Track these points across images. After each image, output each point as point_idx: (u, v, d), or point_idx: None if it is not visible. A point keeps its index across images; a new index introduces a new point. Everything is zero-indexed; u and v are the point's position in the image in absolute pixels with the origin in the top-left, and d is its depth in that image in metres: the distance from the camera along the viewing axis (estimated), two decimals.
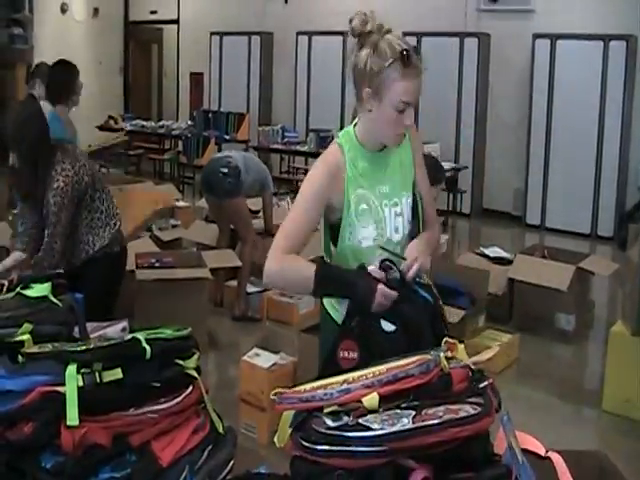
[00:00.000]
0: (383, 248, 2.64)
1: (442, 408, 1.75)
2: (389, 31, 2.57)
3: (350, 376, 1.85)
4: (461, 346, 1.95)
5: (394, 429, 1.68)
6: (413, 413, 1.72)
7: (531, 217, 11.18)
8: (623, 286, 6.30)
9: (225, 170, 6.55)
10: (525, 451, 1.85)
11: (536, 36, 10.82)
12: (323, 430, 1.76)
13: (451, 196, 11.21)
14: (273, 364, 4.64)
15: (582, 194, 10.67)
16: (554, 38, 10.65)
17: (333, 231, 2.82)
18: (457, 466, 1.79)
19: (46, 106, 5.30)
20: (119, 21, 17.00)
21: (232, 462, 2.34)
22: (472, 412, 1.72)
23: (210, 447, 2.32)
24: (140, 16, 16.97)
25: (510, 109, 11.53)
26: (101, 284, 4.20)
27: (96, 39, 16.34)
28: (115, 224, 4.31)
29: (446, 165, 10.21)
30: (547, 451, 1.89)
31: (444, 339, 1.97)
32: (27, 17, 14.43)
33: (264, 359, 4.68)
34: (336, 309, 2.83)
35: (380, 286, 2.47)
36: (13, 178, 4.00)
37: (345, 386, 1.82)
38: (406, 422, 1.69)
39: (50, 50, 14.52)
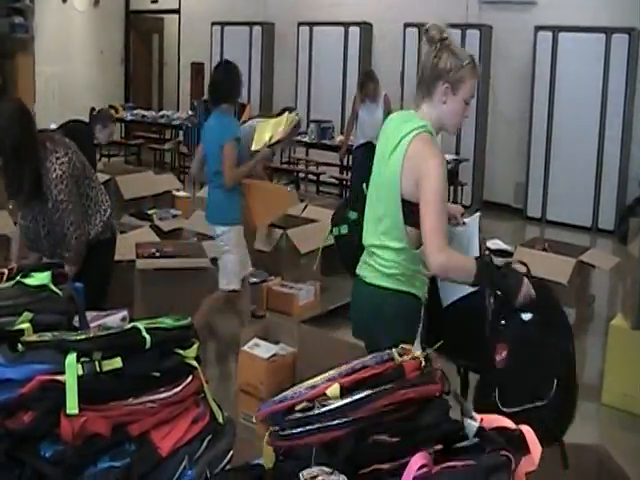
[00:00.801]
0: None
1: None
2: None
3: (317, 378, 2.05)
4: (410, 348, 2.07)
5: (352, 399, 1.88)
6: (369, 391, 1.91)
7: (532, 210, 11.17)
8: (623, 280, 6.31)
9: None
10: (496, 428, 1.92)
11: (538, 28, 10.80)
12: (294, 418, 1.95)
13: (452, 189, 11.21)
14: (273, 355, 4.63)
15: (583, 187, 10.67)
16: (556, 31, 10.63)
17: (413, 213, 2.98)
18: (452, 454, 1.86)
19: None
20: (120, 11, 16.97)
21: (231, 452, 2.34)
22: (418, 380, 1.95)
23: (209, 437, 2.31)
24: (141, 6, 16.94)
25: (511, 102, 11.52)
26: (95, 272, 4.20)
27: (97, 29, 16.31)
28: (106, 211, 4.30)
29: (447, 157, 10.19)
30: (517, 426, 1.93)
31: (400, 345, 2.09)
32: (28, 6, 14.39)
33: (264, 350, 4.67)
34: (416, 286, 3.13)
35: (525, 279, 2.91)
36: (4, 179, 3.99)
37: (311, 383, 2.02)
38: (362, 394, 1.89)
39: (51, 40, 14.52)
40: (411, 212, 2.99)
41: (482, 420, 1.96)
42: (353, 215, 3.46)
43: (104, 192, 4.36)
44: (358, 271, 3.27)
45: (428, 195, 2.91)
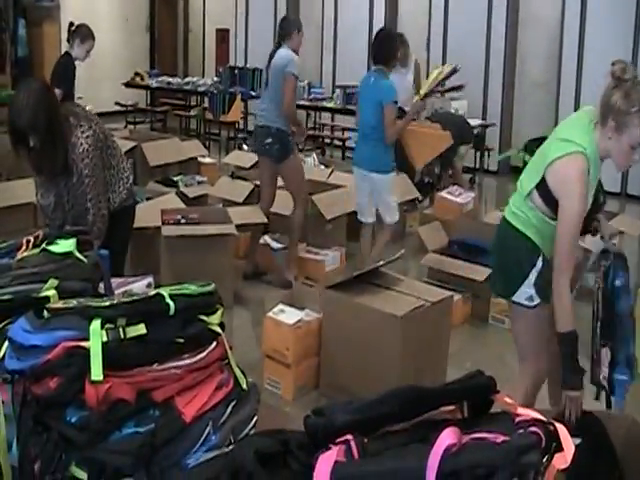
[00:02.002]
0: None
1: None
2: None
3: None
4: None
5: None
6: None
7: None
8: None
9: (269, 140, 6.45)
10: (531, 419, 1.91)
11: None
12: None
13: (478, 154, 11.12)
14: (298, 320, 4.64)
15: None
16: None
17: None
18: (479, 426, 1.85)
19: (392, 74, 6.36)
20: None
21: (255, 418, 2.35)
22: None
23: (233, 403, 2.32)
24: None
25: (539, 66, 11.37)
26: (120, 238, 4.24)
27: None
28: (128, 178, 4.30)
29: (473, 122, 10.11)
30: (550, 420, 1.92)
31: None
32: None
33: (289, 315, 4.67)
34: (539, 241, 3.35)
35: (581, 401, 3.15)
36: (34, 159, 3.99)
37: None
38: None
39: (76, 8, 14.50)
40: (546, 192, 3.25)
41: (516, 409, 1.96)
42: None
43: (124, 158, 4.36)
44: None
45: (565, 216, 3.15)
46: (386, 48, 6.25)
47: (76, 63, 7.05)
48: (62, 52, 7.47)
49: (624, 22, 10.15)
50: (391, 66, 6.31)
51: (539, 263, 3.34)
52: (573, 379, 3.12)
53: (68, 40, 6.98)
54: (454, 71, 6.74)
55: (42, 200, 4.26)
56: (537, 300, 3.35)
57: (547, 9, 11.09)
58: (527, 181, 3.35)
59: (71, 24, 7.07)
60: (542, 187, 3.24)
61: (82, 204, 4.08)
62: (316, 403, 4.55)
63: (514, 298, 3.42)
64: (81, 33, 6.96)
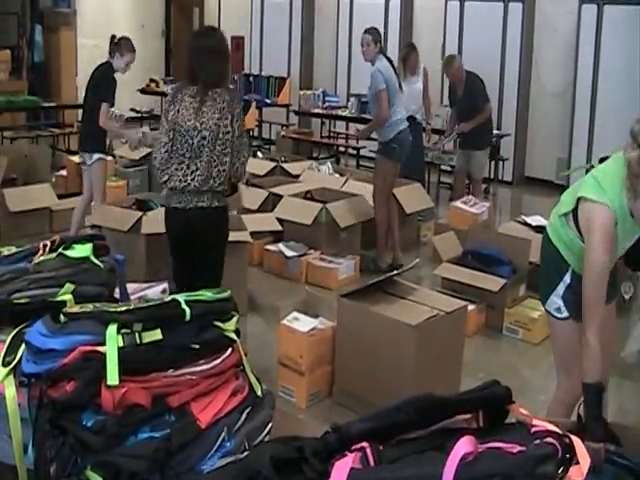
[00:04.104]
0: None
1: None
2: None
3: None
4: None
5: None
6: None
7: None
8: None
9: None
10: (546, 431, 1.90)
11: (583, 1, 10.60)
12: None
13: (493, 163, 11.10)
14: (312, 328, 4.63)
15: None
16: (601, 3, 10.43)
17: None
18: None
19: None
20: None
21: (270, 425, 2.35)
22: None
23: (248, 409, 2.33)
24: None
25: (555, 76, 11.34)
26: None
27: (138, 3, 16.33)
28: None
29: None
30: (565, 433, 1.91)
31: None
32: None
33: (303, 323, 4.67)
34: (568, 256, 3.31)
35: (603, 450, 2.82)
36: None
37: None
38: None
39: (93, 14, 14.57)
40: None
41: (532, 420, 1.95)
42: None
43: None
44: None
45: (588, 267, 3.07)
46: None
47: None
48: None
49: None
50: None
51: (567, 277, 3.30)
52: (595, 428, 2.97)
53: (110, 53, 6.97)
54: None
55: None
56: (565, 314, 3.32)
57: (563, 19, 11.07)
58: (565, 201, 3.32)
59: (113, 37, 7.09)
60: (575, 215, 3.21)
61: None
62: (329, 411, 4.55)
63: (546, 306, 3.43)
64: (121, 46, 6.97)
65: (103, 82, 6.76)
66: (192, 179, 4.22)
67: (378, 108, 6.79)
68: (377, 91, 6.82)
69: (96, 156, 6.74)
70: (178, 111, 4.28)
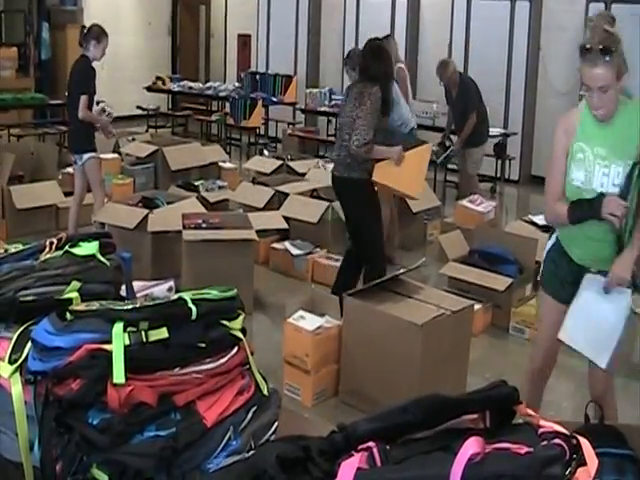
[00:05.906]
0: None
1: None
2: None
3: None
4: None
5: None
6: None
7: None
8: None
9: None
10: (554, 432, 1.89)
11: (590, 0, 10.58)
12: None
13: (499, 162, 11.08)
14: (318, 327, 4.63)
15: None
16: (608, 1, 10.40)
17: None
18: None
19: None
20: None
21: (276, 424, 2.34)
22: None
23: (254, 408, 2.33)
24: None
25: (561, 75, 11.31)
26: None
27: (145, 0, 16.34)
28: None
29: (495, 131, 10.08)
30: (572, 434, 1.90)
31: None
32: None
33: (309, 322, 4.66)
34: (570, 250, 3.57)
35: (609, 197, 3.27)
36: None
37: None
38: None
39: (99, 11, 14.57)
40: None
41: (539, 421, 1.94)
42: None
43: None
44: None
45: None
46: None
47: (93, 64, 6.91)
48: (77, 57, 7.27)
49: None
50: None
51: (552, 239, 3.66)
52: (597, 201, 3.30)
53: (81, 44, 6.85)
54: None
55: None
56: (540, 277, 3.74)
57: (569, 17, 11.04)
58: None
59: (83, 27, 7.02)
60: None
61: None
62: (335, 409, 4.54)
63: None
64: (95, 33, 6.84)
65: (82, 77, 6.70)
66: None
67: None
68: None
69: (86, 156, 6.70)
70: None
